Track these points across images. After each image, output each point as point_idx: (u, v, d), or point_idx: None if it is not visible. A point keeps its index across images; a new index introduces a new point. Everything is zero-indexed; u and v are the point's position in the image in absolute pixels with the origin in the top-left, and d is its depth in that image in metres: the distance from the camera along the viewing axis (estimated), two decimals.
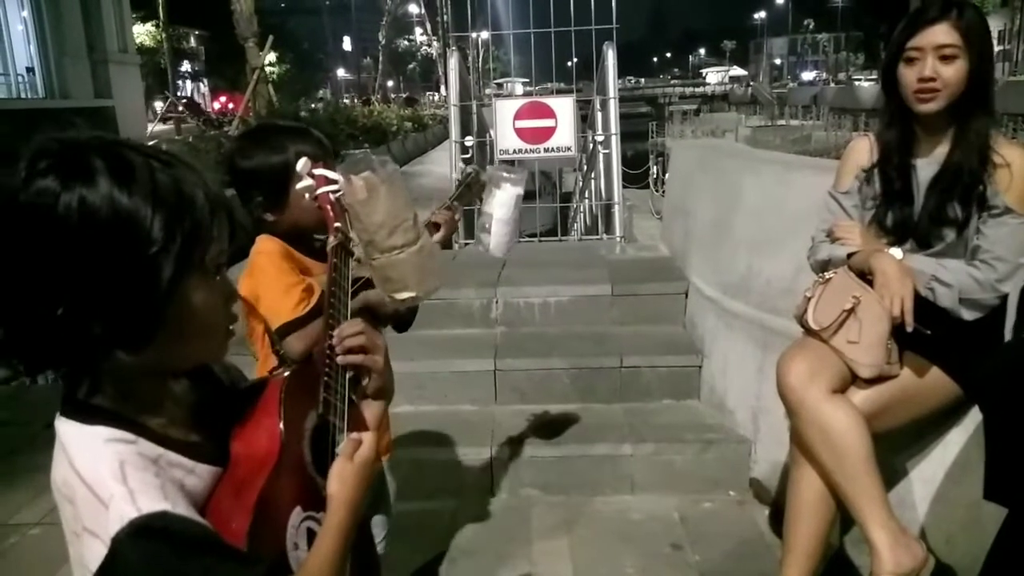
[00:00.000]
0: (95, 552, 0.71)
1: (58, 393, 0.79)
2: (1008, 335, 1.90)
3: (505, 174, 1.74)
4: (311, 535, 0.85)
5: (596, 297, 3.51)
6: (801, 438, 1.88)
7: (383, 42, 44.72)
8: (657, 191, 10.73)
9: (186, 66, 40.68)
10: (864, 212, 1.99)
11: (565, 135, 4.55)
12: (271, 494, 0.82)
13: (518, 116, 4.56)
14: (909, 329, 1.71)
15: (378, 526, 1.73)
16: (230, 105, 31.84)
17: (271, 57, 25.75)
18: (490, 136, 5.25)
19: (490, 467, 2.81)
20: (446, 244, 1.76)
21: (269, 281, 1.47)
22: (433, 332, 3.41)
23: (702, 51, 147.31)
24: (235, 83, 29.55)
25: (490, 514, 2.72)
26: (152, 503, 0.71)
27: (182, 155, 0.84)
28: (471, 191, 1.79)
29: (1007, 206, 1.80)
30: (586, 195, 7.34)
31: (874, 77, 37.94)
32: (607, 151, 5.18)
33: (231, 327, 0.86)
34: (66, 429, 0.77)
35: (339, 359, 0.94)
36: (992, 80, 1.88)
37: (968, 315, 1.80)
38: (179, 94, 27.12)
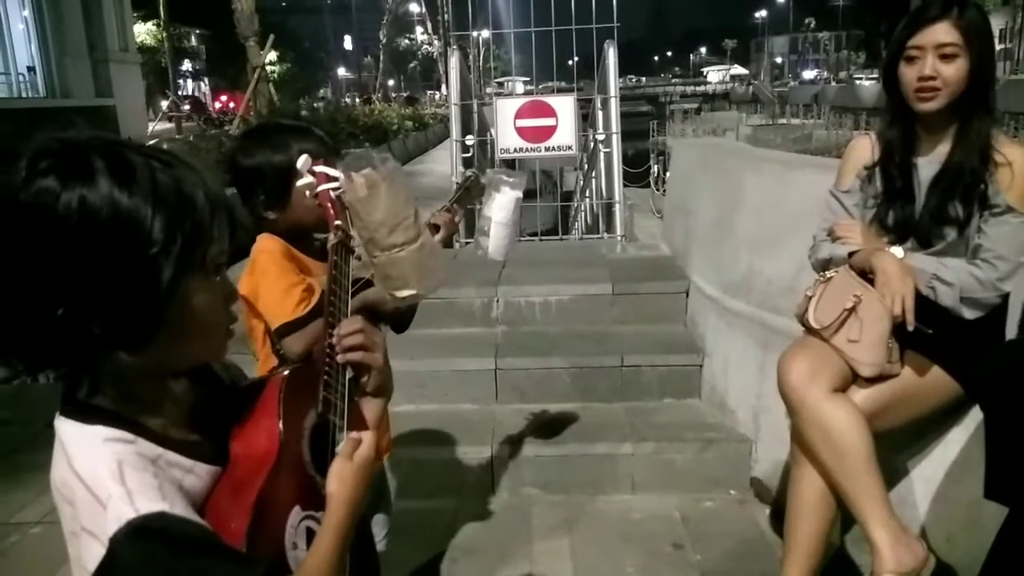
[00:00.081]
0: (93, 552, 0.71)
1: (59, 392, 0.79)
2: (1012, 333, 1.90)
3: (504, 177, 1.74)
4: (310, 534, 0.85)
5: (597, 296, 3.51)
6: (802, 437, 1.88)
7: (384, 41, 44.70)
8: (658, 190, 10.71)
9: (187, 65, 40.74)
10: (865, 211, 1.98)
11: (566, 134, 4.55)
12: (270, 493, 0.82)
13: (519, 115, 4.56)
14: (910, 328, 1.71)
15: (379, 525, 1.73)
16: (231, 104, 31.92)
17: (272, 56, 25.76)
18: (491, 135, 5.25)
19: (491, 466, 2.81)
20: (446, 245, 1.76)
21: (270, 281, 1.47)
22: (434, 331, 3.41)
23: (703, 50, 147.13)
24: (236, 82, 29.60)
25: (491, 513, 2.72)
26: (150, 503, 0.71)
27: (182, 155, 0.83)
28: (470, 194, 1.79)
29: (1008, 205, 1.80)
30: (587, 194, 7.32)
31: (875, 76, 37.86)
32: (608, 150, 5.17)
33: (231, 327, 0.86)
34: (65, 429, 0.77)
35: (338, 357, 0.94)
36: (993, 79, 1.88)
37: (969, 314, 1.80)
38: (180, 93, 27.10)
